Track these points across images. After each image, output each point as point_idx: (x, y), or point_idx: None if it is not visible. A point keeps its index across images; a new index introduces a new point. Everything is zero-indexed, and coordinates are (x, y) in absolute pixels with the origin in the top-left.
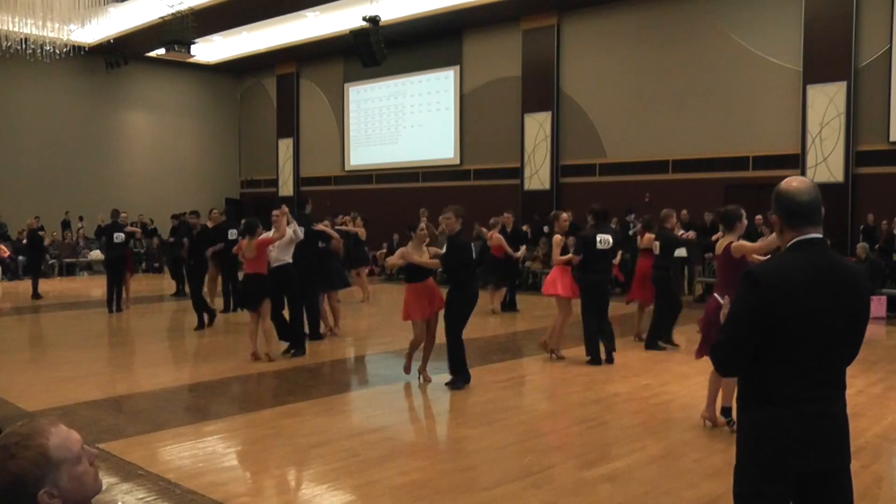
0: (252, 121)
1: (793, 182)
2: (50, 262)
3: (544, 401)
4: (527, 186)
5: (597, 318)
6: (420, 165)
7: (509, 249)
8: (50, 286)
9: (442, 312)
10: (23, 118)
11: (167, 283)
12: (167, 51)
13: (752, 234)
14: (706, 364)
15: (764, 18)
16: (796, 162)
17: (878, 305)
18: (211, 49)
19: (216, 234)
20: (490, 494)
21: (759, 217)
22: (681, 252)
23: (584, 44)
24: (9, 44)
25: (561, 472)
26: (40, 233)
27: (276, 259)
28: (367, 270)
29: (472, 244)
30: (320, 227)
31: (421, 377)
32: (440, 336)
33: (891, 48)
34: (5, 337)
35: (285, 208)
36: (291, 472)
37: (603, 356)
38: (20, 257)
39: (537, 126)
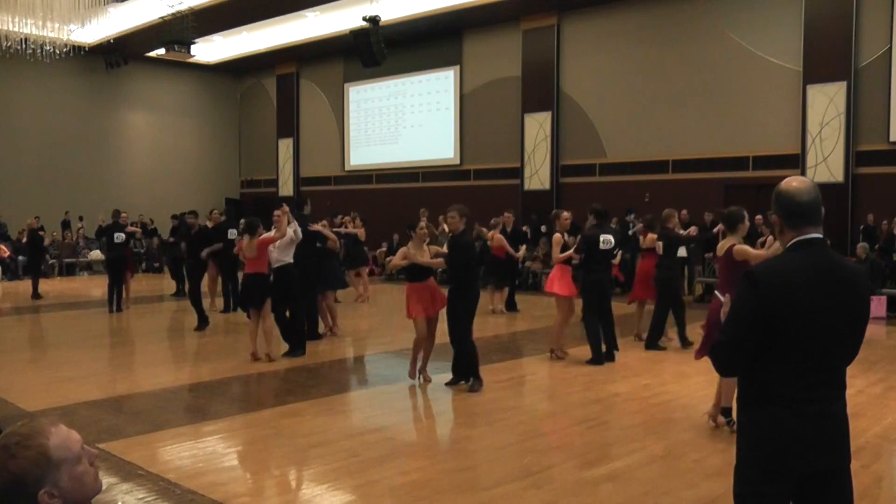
0: (252, 121)
1: (793, 182)
2: (50, 262)
3: (544, 401)
4: (527, 186)
5: (599, 318)
6: (420, 165)
7: (510, 250)
8: (50, 286)
9: (444, 313)
10: (23, 118)
11: (167, 283)
12: (167, 51)
13: (752, 235)
14: (706, 364)
15: (764, 18)
16: (796, 162)
17: (878, 305)
18: (211, 49)
19: (215, 234)
20: (490, 494)
21: (759, 217)
22: (681, 252)
23: (584, 44)
24: (9, 44)
25: (561, 472)
26: (40, 233)
27: (276, 259)
28: (367, 270)
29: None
30: (316, 227)
31: (421, 377)
32: (440, 336)
33: (891, 48)
34: (5, 337)
35: (286, 208)
36: (291, 472)
37: (603, 348)
38: (20, 257)
39: (537, 126)
